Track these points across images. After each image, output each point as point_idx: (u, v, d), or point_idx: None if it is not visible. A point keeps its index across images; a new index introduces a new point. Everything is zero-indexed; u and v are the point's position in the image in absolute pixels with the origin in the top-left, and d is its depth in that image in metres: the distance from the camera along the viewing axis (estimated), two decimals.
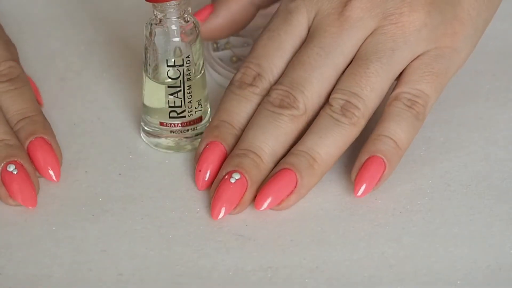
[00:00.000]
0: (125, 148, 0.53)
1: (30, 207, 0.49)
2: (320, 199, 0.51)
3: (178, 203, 0.50)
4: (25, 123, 0.51)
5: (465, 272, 0.47)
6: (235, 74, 0.52)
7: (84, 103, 0.56)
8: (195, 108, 0.52)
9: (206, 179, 0.50)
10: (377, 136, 0.50)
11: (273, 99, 0.50)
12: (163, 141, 0.53)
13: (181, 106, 0.52)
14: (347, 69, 0.51)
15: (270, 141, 0.49)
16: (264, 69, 0.51)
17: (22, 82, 0.53)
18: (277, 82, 0.51)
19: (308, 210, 0.50)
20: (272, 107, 0.50)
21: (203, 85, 0.53)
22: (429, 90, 0.51)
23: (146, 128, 0.53)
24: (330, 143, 0.49)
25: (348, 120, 0.49)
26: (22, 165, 0.49)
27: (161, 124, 0.52)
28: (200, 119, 0.53)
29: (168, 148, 0.53)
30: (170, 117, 0.52)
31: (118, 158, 0.53)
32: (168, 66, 0.51)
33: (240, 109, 0.51)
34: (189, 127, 0.53)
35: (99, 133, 0.54)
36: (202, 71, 0.52)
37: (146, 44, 0.51)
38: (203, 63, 0.52)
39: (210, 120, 0.52)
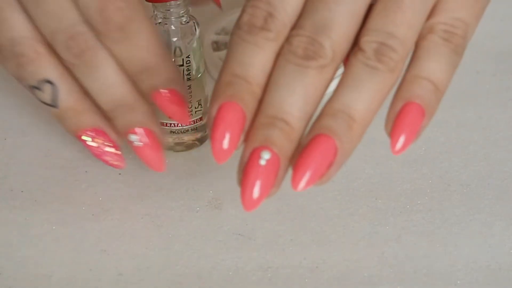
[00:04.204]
0: (125, 148, 0.53)
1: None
2: (320, 199, 0.51)
3: (178, 203, 0.51)
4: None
5: (465, 272, 0.47)
6: (241, 15, 0.42)
7: None
8: (195, 108, 0.52)
9: (225, 147, 0.40)
10: (413, 77, 0.41)
11: (295, 49, 0.40)
12: None
13: None
14: (376, 4, 0.42)
15: (299, 102, 0.40)
16: (275, 8, 0.41)
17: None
18: (297, 25, 0.41)
19: (308, 210, 0.50)
20: (296, 59, 0.40)
21: (203, 85, 0.53)
22: (469, 17, 0.42)
23: None
24: (368, 96, 0.41)
25: (386, 66, 0.41)
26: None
27: (161, 124, 0.52)
28: (200, 119, 0.53)
29: (168, 148, 0.53)
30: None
31: None
32: None
33: (254, 60, 0.41)
34: (189, 127, 0.53)
35: None
36: (202, 71, 0.52)
37: None
38: (203, 63, 0.52)
39: (220, 73, 0.43)
